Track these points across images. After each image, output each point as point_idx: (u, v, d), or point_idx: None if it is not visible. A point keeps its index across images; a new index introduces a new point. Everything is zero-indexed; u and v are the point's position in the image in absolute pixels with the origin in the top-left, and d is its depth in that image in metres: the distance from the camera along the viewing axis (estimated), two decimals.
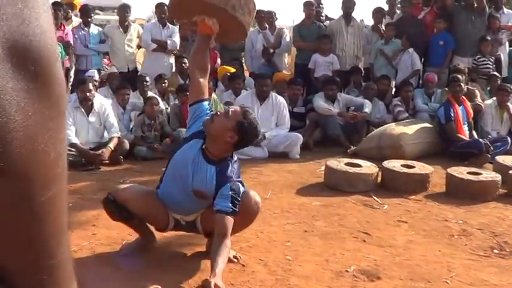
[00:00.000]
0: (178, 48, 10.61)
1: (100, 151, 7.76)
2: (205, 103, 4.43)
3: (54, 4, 10.13)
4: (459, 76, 9.15)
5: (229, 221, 4.03)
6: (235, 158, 4.30)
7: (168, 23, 10.66)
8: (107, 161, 7.82)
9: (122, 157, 7.97)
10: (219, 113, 4.23)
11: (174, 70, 10.41)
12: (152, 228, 4.61)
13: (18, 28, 0.65)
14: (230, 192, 4.06)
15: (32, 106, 0.66)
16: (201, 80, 4.44)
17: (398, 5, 12.46)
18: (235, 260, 4.40)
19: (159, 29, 10.60)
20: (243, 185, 4.22)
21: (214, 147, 4.17)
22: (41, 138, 0.68)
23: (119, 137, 8.05)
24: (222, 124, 4.08)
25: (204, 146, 4.21)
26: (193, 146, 4.25)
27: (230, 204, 4.04)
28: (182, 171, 4.23)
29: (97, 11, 18.36)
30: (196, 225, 4.46)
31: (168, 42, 10.43)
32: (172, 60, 10.56)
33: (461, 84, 9.02)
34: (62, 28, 9.83)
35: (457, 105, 8.85)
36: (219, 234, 3.99)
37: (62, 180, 0.75)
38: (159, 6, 10.77)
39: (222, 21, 4.31)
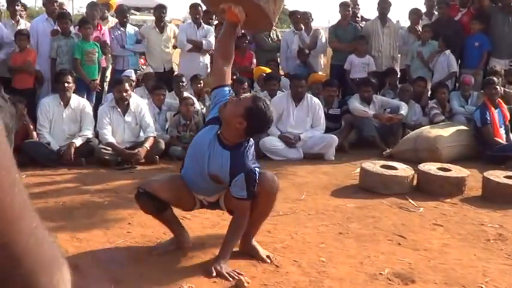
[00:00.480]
0: (213, 48, 10.64)
1: (136, 150, 7.82)
2: (226, 88, 4.50)
3: (90, 4, 10.24)
4: (495, 79, 9.04)
5: (246, 204, 4.28)
6: (251, 142, 4.35)
7: (203, 23, 10.69)
8: (143, 161, 7.88)
9: (157, 157, 8.03)
10: (231, 99, 4.29)
11: (209, 70, 10.44)
12: (186, 226, 4.67)
13: None
14: (245, 183, 4.16)
15: None
16: (224, 67, 4.52)
17: (436, 7, 12.35)
18: (269, 261, 4.42)
19: (194, 30, 10.62)
20: (258, 168, 4.27)
21: (227, 132, 4.24)
22: None
23: (154, 137, 8.10)
24: (232, 110, 4.15)
25: (219, 131, 4.28)
26: (210, 130, 4.36)
27: (245, 192, 4.18)
28: (199, 154, 4.35)
29: (133, 12, 18.46)
30: (219, 204, 4.57)
31: (204, 42, 10.44)
32: (207, 60, 10.59)
33: (497, 86, 8.92)
34: (99, 28, 9.91)
35: (493, 108, 8.75)
36: (237, 215, 4.37)
37: None
38: (194, 7, 10.80)
39: (247, 9, 4.34)
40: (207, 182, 4.33)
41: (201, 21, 10.73)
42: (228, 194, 4.33)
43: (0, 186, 0.76)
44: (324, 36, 11.67)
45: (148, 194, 4.34)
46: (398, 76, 11.26)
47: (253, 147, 4.36)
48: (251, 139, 4.36)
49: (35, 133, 7.89)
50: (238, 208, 4.30)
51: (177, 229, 4.64)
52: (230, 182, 4.19)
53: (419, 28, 11.43)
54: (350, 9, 11.48)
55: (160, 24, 10.81)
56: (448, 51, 10.60)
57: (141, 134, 8.19)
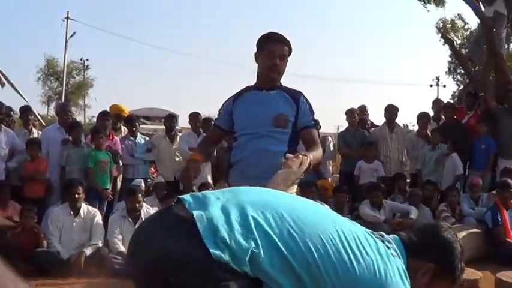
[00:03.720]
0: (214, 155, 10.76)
1: None
2: None
3: (102, 114, 10.43)
4: (511, 182, 9.08)
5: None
6: None
7: (202, 131, 10.84)
8: None
9: None
10: None
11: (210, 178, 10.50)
12: None
13: None
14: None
15: None
16: None
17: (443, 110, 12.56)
18: None
19: (194, 138, 10.73)
20: None
21: None
22: None
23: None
24: None
25: None
26: None
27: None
28: None
29: (144, 121, 18.76)
30: None
31: None
32: (209, 167, 10.66)
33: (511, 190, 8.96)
34: (111, 137, 10.06)
35: (504, 210, 8.75)
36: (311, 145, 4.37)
37: None
38: (193, 116, 11.05)
39: None
40: None
41: (201, 129, 10.91)
42: None
43: None
44: (332, 143, 11.77)
45: None
46: (408, 181, 11.30)
47: None
48: None
49: (45, 242, 7.90)
50: (310, 138, 4.54)
51: None
52: None
53: (429, 132, 11.55)
54: (356, 115, 11.66)
55: (170, 133, 10.99)
56: (454, 154, 10.68)
57: None
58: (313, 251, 2.19)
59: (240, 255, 2.07)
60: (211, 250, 2.04)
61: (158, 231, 2.20)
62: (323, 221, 2.40)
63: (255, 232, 2.14)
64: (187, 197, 2.33)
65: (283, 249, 2.14)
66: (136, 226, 7.96)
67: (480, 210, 9.64)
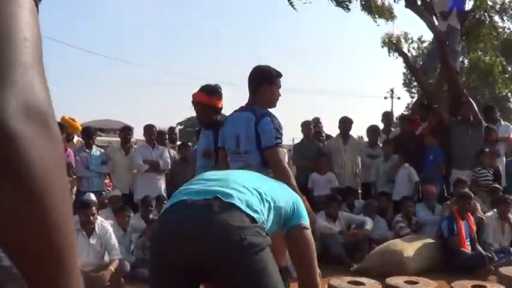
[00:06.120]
0: (169, 167, 10.70)
1: (100, 273, 7.68)
2: None
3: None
4: (471, 193, 9.20)
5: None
6: None
7: (156, 144, 10.81)
8: (108, 283, 7.74)
9: (123, 279, 7.89)
10: None
11: (163, 191, 10.45)
12: None
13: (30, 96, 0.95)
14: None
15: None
16: None
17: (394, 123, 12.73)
18: None
19: (149, 150, 10.67)
20: None
21: None
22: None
23: (119, 259, 8.00)
24: None
25: None
26: None
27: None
28: None
29: (99, 133, 18.60)
30: None
31: (160, 162, 10.49)
32: (163, 180, 10.64)
33: (471, 201, 9.08)
34: (64, 149, 9.90)
35: (460, 220, 8.85)
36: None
37: None
38: (148, 128, 10.94)
39: None
40: None
41: (155, 142, 10.85)
42: None
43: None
44: (286, 155, 11.80)
45: None
46: (360, 191, 11.41)
47: None
48: None
49: None
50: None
51: None
52: None
53: (379, 144, 11.67)
54: (312, 127, 11.71)
55: (126, 145, 10.90)
56: (407, 164, 10.82)
57: (106, 256, 8.08)
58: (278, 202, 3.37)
59: (264, 217, 3.12)
60: (253, 215, 2.99)
61: (202, 217, 2.91)
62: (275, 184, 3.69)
63: (264, 200, 3.19)
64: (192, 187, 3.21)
65: (274, 208, 3.31)
66: (90, 239, 7.90)
67: (436, 219, 9.79)
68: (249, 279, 2.89)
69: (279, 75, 5.37)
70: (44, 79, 0.99)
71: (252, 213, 2.98)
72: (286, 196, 3.59)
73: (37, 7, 1.04)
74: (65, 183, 1.02)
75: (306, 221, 3.67)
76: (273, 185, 3.58)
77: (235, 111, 5.42)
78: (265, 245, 2.95)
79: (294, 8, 13.38)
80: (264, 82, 5.28)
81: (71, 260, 1.02)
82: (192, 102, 6.42)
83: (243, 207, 2.96)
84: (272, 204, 3.28)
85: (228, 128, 5.36)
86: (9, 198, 0.90)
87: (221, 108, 6.50)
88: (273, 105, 5.35)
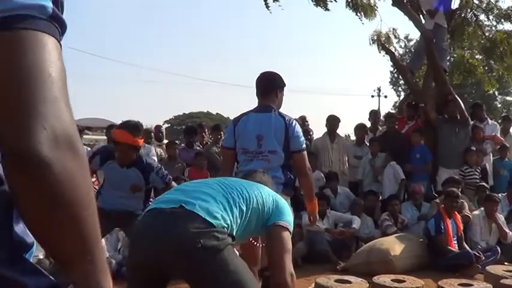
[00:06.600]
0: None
1: None
2: None
3: None
4: (459, 193, 9.20)
5: None
6: None
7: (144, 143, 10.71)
8: None
9: None
10: None
11: None
12: None
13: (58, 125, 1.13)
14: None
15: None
16: None
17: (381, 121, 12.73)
18: None
19: None
20: None
21: None
22: None
23: (106, 258, 7.94)
24: None
25: None
26: None
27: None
28: None
29: (86, 131, 18.53)
30: None
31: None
32: None
33: (459, 200, 9.08)
34: None
35: (448, 219, 8.85)
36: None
37: None
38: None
39: None
40: None
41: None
42: None
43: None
44: None
45: None
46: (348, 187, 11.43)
47: None
48: None
49: None
50: None
51: None
52: None
53: (366, 142, 11.67)
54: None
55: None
56: (392, 163, 10.81)
57: None
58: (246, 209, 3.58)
59: (227, 222, 3.34)
60: (212, 221, 3.23)
61: (169, 223, 3.25)
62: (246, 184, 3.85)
63: (232, 206, 3.46)
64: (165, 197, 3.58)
65: (238, 213, 3.51)
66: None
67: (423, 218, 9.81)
68: (208, 278, 3.23)
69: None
70: (69, 107, 1.17)
71: (210, 219, 3.25)
72: (266, 198, 3.77)
73: (59, 43, 1.20)
74: (92, 195, 1.22)
75: (285, 221, 3.79)
76: (251, 189, 3.77)
77: (251, 111, 5.64)
78: (222, 246, 3.22)
79: (269, 10, 13.40)
80: (279, 87, 5.70)
81: (101, 257, 1.24)
82: (114, 140, 6.34)
83: (203, 214, 3.25)
84: (245, 208, 3.55)
85: (248, 129, 5.51)
86: (48, 217, 1.13)
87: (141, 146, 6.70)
88: (280, 107, 5.69)
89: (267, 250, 3.95)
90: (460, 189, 9.69)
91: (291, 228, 3.86)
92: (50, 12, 1.16)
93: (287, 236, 3.78)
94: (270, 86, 5.66)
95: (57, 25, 1.19)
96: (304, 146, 5.52)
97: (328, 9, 13.64)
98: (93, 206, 1.20)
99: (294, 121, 5.51)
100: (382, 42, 14.91)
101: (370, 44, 15.14)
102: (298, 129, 5.49)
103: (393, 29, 15.61)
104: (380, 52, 15.18)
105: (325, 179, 10.81)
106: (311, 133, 12.53)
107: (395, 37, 15.96)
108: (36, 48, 1.12)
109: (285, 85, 5.80)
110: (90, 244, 1.20)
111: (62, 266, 1.20)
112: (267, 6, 13.24)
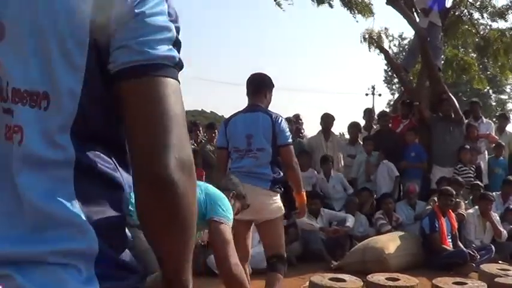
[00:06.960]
0: None
1: None
2: None
3: None
4: (453, 191, 9.18)
5: None
6: None
7: None
8: None
9: None
10: None
11: None
12: None
13: (182, 154, 1.41)
14: None
15: None
16: None
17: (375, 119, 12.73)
18: None
19: None
20: None
21: None
22: None
23: None
24: None
25: None
26: None
27: None
28: None
29: None
30: None
31: None
32: None
33: (453, 199, 9.07)
34: None
35: (442, 217, 8.84)
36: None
37: None
38: None
39: None
40: None
41: None
42: None
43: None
44: None
45: None
46: None
47: None
48: None
49: None
50: None
51: None
52: None
53: (360, 141, 11.66)
54: (293, 124, 11.65)
55: None
56: (385, 161, 10.79)
57: None
58: None
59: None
60: None
61: None
62: None
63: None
64: None
65: None
66: None
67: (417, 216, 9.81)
68: None
69: None
70: (188, 138, 1.43)
71: None
72: (198, 195, 4.02)
73: (178, 81, 1.44)
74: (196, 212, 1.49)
75: (218, 216, 4.22)
76: None
77: (240, 112, 5.90)
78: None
79: (281, 8, 13.55)
80: (269, 87, 5.97)
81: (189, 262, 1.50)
82: None
83: None
84: None
85: (237, 129, 5.80)
86: (169, 224, 1.40)
87: None
88: (268, 106, 5.96)
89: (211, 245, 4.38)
90: (461, 192, 9.71)
91: (228, 220, 4.26)
92: (177, 61, 1.44)
93: (224, 228, 4.18)
94: (260, 86, 5.92)
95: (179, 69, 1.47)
96: (290, 140, 5.75)
97: (331, 6, 13.73)
98: (195, 216, 1.47)
99: (280, 117, 5.75)
100: (375, 40, 14.88)
101: (361, 41, 15.09)
102: (284, 124, 5.74)
103: (385, 28, 15.60)
104: (370, 51, 15.15)
105: (320, 164, 10.86)
106: (302, 131, 12.51)
107: (387, 36, 15.95)
108: (167, 92, 1.38)
109: (273, 86, 6.04)
110: (191, 249, 1.47)
111: (169, 270, 1.49)
112: (279, 5, 13.43)
